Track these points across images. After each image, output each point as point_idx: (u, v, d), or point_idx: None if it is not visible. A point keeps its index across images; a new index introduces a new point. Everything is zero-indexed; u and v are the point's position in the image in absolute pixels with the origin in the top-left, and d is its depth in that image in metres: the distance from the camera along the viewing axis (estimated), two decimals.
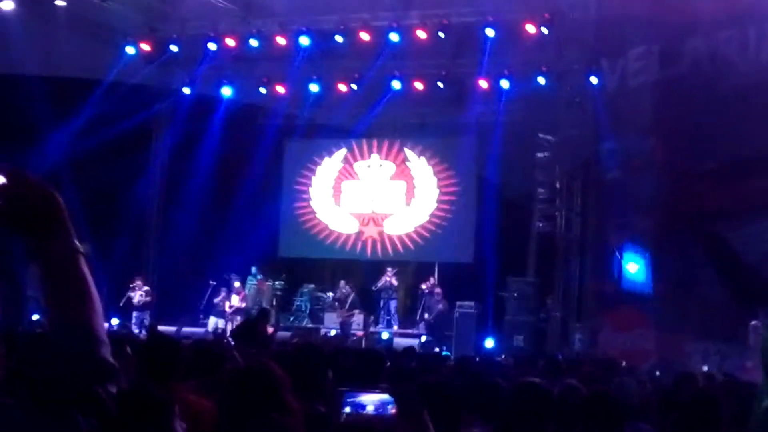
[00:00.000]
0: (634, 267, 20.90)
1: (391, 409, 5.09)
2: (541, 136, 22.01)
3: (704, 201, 4.78)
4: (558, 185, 21.73)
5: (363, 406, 5.25)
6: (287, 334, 20.88)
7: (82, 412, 2.18)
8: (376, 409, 5.23)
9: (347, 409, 5.18)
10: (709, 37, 19.55)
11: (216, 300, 23.47)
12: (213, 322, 23.16)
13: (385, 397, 5.15)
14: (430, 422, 4.32)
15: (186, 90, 25.04)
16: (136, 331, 20.56)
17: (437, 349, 20.31)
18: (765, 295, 4.64)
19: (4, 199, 2.21)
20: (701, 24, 19.65)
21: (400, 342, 20.87)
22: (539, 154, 22.02)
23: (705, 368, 16.17)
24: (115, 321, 20.98)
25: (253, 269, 24.55)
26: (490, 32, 21.33)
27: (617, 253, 20.80)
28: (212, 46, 23.58)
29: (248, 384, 4.55)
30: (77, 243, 2.29)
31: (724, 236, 4.65)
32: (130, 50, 23.89)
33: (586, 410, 5.49)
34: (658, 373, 14.50)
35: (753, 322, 15.05)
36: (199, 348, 6.95)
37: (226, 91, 24.94)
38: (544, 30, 21.01)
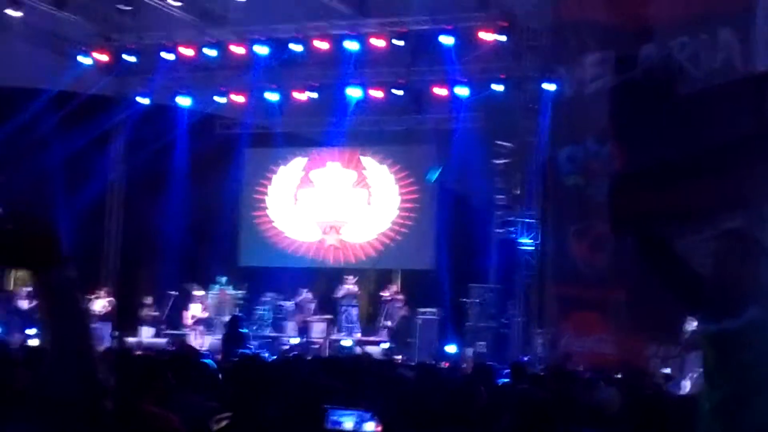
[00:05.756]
0: None
1: (368, 426, 5.15)
2: (498, 143, 22.12)
3: (643, 201, 4.82)
4: (517, 191, 21.84)
5: (340, 423, 5.30)
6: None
7: (86, 430, 2.38)
8: (354, 426, 5.29)
9: (327, 426, 5.22)
10: (663, 44, 19.76)
11: (175, 310, 23.43)
12: (143, 332, 23.06)
13: (364, 414, 5.20)
14: None
15: (143, 100, 24.94)
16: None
17: (399, 357, 20.33)
18: (704, 302, 4.72)
19: (7, 238, 2.36)
20: (656, 30, 19.86)
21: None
22: (497, 161, 22.14)
23: (666, 371, 16.32)
24: None
25: (223, 279, 24.39)
26: (446, 40, 21.43)
27: None
28: (169, 56, 23.51)
29: None
30: (71, 272, 2.44)
31: (667, 241, 4.72)
32: (85, 60, 23.78)
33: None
34: (619, 375, 14.65)
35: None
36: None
37: (184, 101, 24.87)
38: (501, 38, 21.14)
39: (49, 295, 2.40)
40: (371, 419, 5.10)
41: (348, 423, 5.26)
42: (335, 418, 5.30)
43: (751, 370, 4.50)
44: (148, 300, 23.79)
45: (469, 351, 20.75)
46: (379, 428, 4.96)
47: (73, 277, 2.43)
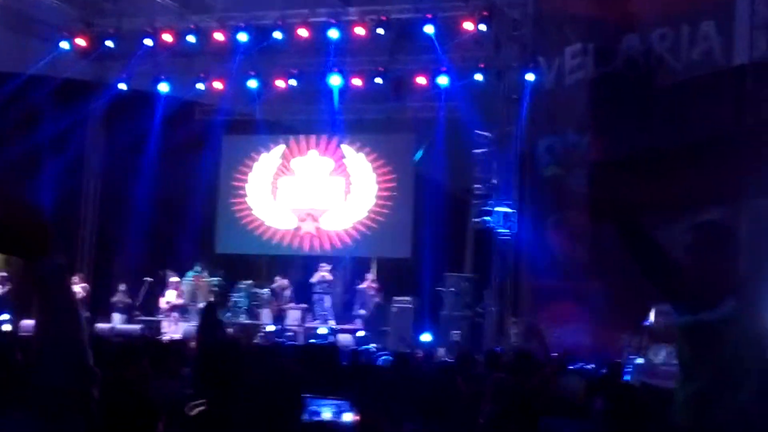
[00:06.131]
0: None
1: (346, 416, 5.15)
2: (478, 132, 22.12)
3: (622, 191, 4.80)
4: (495, 181, 21.85)
5: (319, 413, 5.29)
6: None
7: (77, 416, 2.38)
8: (333, 416, 5.28)
9: (305, 416, 5.21)
10: (643, 35, 19.82)
11: (150, 296, 23.37)
12: (117, 318, 23.01)
13: (341, 403, 5.19)
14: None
15: (122, 86, 24.78)
16: None
17: (373, 345, 20.30)
18: (681, 292, 4.70)
19: None
20: (636, 22, 19.91)
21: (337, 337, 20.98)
22: (476, 150, 22.14)
23: (639, 360, 16.40)
24: None
25: (197, 267, 24.29)
26: (428, 29, 21.42)
27: None
28: (149, 42, 23.39)
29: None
30: (60, 259, 2.43)
31: (647, 231, 4.70)
32: (64, 45, 23.64)
33: None
34: (592, 366, 14.71)
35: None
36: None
37: (163, 87, 24.71)
38: (483, 27, 21.16)
39: (40, 283, 2.39)
40: (350, 410, 5.09)
41: (326, 413, 5.25)
42: (314, 408, 5.28)
43: (726, 363, 4.50)
44: (122, 286, 23.69)
45: (442, 351, 20.60)
46: (357, 418, 4.95)
47: (63, 265, 2.41)
